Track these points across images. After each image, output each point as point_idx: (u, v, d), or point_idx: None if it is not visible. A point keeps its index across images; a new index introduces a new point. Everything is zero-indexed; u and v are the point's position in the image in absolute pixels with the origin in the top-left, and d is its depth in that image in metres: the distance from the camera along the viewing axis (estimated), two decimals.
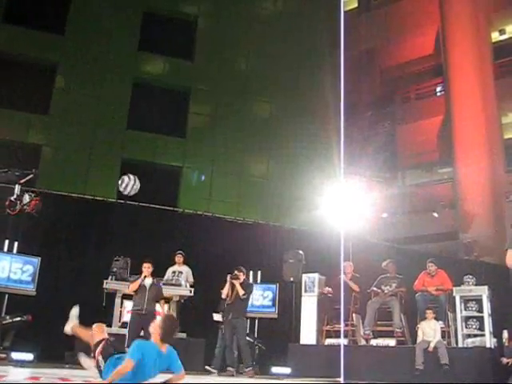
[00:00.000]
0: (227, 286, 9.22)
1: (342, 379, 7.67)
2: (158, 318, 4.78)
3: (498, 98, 21.20)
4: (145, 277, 8.76)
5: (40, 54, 17.47)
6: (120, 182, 5.76)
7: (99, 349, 4.91)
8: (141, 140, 17.86)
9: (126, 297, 9.56)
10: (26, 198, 9.54)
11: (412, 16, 23.53)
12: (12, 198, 9.49)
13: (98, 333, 5.15)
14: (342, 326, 8.88)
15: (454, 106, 21.50)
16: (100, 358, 4.85)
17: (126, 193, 5.75)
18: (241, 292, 9.10)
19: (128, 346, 8.20)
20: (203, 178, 18.27)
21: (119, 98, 17.90)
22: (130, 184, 5.79)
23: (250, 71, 19.85)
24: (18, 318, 9.01)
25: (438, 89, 23.84)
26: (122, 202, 12.04)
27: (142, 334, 8.20)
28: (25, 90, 16.82)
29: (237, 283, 9.16)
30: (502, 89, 21.06)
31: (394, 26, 24.01)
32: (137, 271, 9.26)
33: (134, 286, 8.75)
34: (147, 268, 8.80)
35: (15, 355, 8.14)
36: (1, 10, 17.38)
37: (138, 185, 5.86)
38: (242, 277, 9.34)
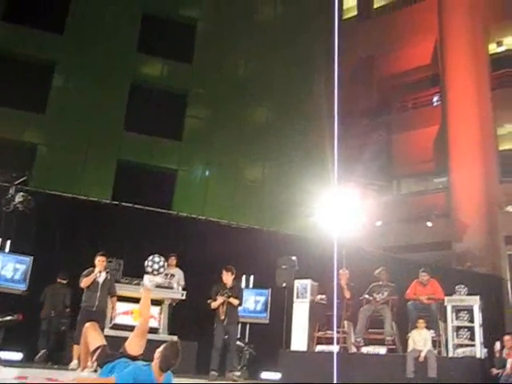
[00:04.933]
0: (218, 302, 9.02)
1: None
2: (162, 346, 4.58)
3: (495, 109, 21.29)
4: (100, 272, 8.45)
5: (38, 53, 17.44)
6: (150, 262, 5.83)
7: (96, 356, 4.86)
8: (137, 142, 17.84)
9: (118, 298, 9.50)
10: (20, 197, 9.68)
11: (410, 26, 23.63)
12: (6, 197, 9.65)
13: (94, 336, 5.07)
14: (334, 333, 8.87)
15: (450, 116, 21.57)
16: (95, 364, 4.83)
17: (151, 270, 5.82)
18: (235, 303, 9.07)
19: (75, 342, 8.15)
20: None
21: (117, 99, 17.88)
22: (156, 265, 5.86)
23: (247, 76, 19.89)
24: (9, 318, 8.96)
25: (435, 99, 23.90)
26: (116, 203, 12.04)
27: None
28: (22, 88, 16.75)
29: (230, 299, 9.05)
30: (499, 100, 21.14)
31: (392, 34, 24.08)
32: (129, 273, 9.23)
33: (87, 281, 8.40)
34: (101, 262, 8.45)
35: (3, 354, 8.11)
36: (0, 8, 17.36)
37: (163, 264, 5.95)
38: (231, 278, 9.22)
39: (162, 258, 5.88)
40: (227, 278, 9.21)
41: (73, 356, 8.17)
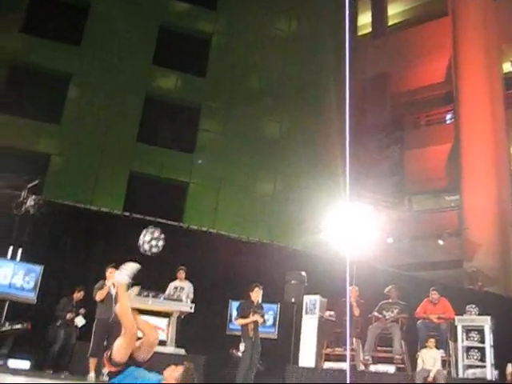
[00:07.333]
0: (251, 319, 8.95)
1: None
2: (177, 372, 4.44)
3: (508, 128, 21.20)
4: (112, 284, 8.37)
5: (55, 64, 17.63)
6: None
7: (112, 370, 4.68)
8: (150, 153, 17.94)
9: None
10: (31, 200, 9.79)
11: (424, 43, 23.67)
12: (18, 201, 9.82)
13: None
14: (347, 350, 8.78)
15: (463, 134, 21.50)
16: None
17: (145, 246, 5.02)
18: (261, 321, 9.06)
19: (91, 354, 8.08)
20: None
21: (131, 111, 18.03)
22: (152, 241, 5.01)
23: (261, 90, 19.97)
24: (18, 326, 8.97)
25: (448, 116, 23.88)
26: (127, 214, 12.08)
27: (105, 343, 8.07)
28: (38, 98, 16.96)
29: (259, 318, 9.05)
30: None
31: (406, 52, 24.14)
32: (138, 283, 9.21)
33: (102, 294, 8.47)
34: (113, 274, 8.19)
35: (12, 363, 8.11)
36: (18, 20, 17.62)
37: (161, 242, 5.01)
38: (260, 295, 9.25)
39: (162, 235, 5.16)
40: (257, 295, 9.22)
41: (89, 368, 8.11)
